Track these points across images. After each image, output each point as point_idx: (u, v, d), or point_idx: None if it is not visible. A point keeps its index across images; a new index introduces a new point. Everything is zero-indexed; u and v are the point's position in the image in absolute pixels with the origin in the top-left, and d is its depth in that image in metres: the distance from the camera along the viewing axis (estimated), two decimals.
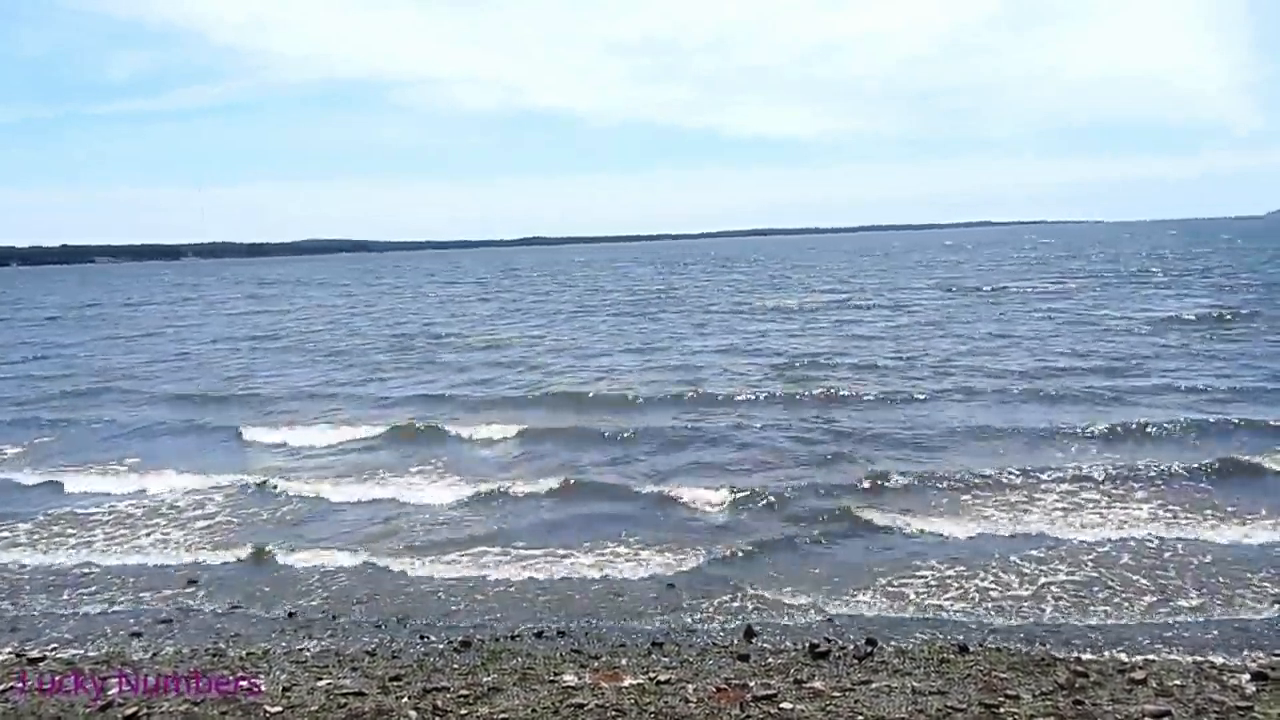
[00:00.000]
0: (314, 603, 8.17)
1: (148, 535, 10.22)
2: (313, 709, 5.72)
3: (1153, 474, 10.68)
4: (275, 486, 11.78)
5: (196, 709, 5.77)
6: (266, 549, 9.43)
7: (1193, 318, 25.42)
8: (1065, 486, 10.44)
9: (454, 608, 7.94)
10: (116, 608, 8.20)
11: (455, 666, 6.52)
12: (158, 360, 26.02)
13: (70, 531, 10.42)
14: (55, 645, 7.28)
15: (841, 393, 16.24)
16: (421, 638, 7.22)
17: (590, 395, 17.21)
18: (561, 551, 9.14)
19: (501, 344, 26.42)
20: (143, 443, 14.94)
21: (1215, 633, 6.82)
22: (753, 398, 16.25)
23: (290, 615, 7.86)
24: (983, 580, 8.02)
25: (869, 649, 6.62)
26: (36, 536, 10.26)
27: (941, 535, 9.15)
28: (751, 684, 5.90)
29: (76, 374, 23.61)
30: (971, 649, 6.58)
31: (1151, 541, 8.76)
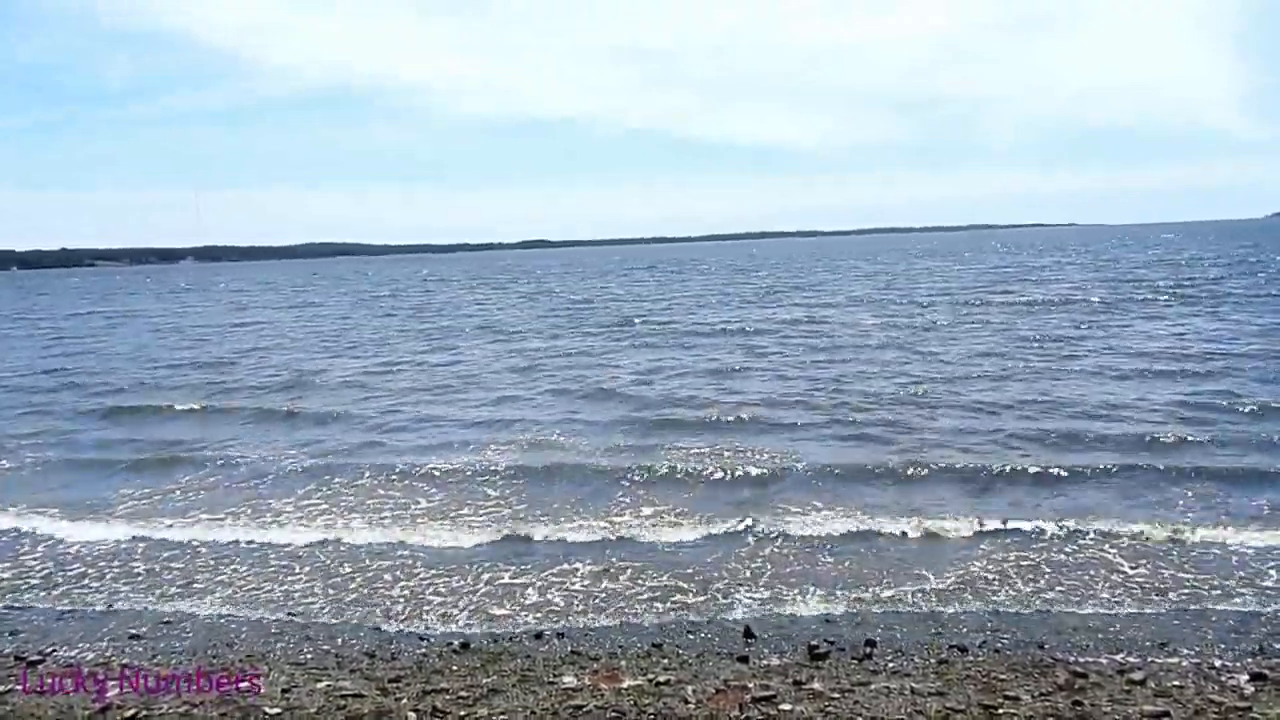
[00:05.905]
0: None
1: None
2: (311, 711, 5.72)
3: None
4: None
5: (196, 710, 5.77)
6: None
7: None
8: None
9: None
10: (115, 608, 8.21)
11: (454, 668, 6.52)
12: None
13: None
14: (54, 647, 7.28)
15: None
16: (421, 639, 7.23)
17: None
18: None
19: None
20: None
21: (1214, 634, 6.81)
22: None
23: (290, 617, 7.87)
24: (983, 581, 8.04)
25: (868, 650, 6.62)
26: None
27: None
28: (750, 685, 5.90)
29: None
30: (970, 650, 6.58)
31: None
